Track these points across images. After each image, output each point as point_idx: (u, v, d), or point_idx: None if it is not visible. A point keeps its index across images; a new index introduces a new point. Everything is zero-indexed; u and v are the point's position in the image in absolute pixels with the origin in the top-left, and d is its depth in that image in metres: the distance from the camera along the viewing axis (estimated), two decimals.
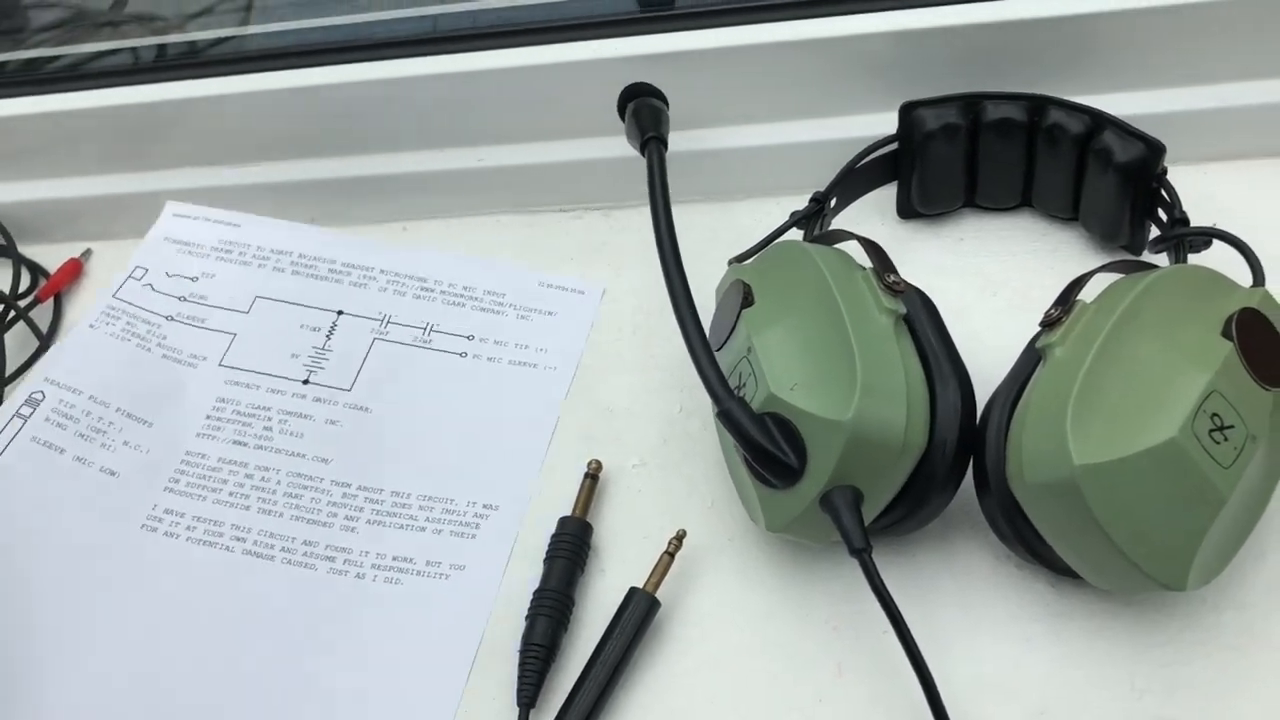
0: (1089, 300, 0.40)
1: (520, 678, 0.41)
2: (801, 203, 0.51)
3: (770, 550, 0.44)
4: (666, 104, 0.51)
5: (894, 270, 0.42)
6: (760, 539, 0.45)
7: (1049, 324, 0.40)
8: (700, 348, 0.40)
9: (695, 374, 0.49)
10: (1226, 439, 0.36)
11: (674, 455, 0.48)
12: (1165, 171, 0.48)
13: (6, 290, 0.58)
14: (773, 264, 0.44)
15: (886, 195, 0.54)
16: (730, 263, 0.48)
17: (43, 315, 0.58)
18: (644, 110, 0.49)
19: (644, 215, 0.57)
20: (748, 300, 0.43)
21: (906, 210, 0.54)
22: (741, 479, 0.42)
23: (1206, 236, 0.44)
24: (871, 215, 0.55)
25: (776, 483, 0.39)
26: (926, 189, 0.53)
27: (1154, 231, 0.49)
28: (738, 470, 0.42)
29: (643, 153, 0.48)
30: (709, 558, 0.44)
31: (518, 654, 0.42)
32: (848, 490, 0.38)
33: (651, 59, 0.53)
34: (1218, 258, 0.44)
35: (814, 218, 0.50)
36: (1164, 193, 0.47)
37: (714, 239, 0.55)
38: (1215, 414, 0.36)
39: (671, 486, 0.47)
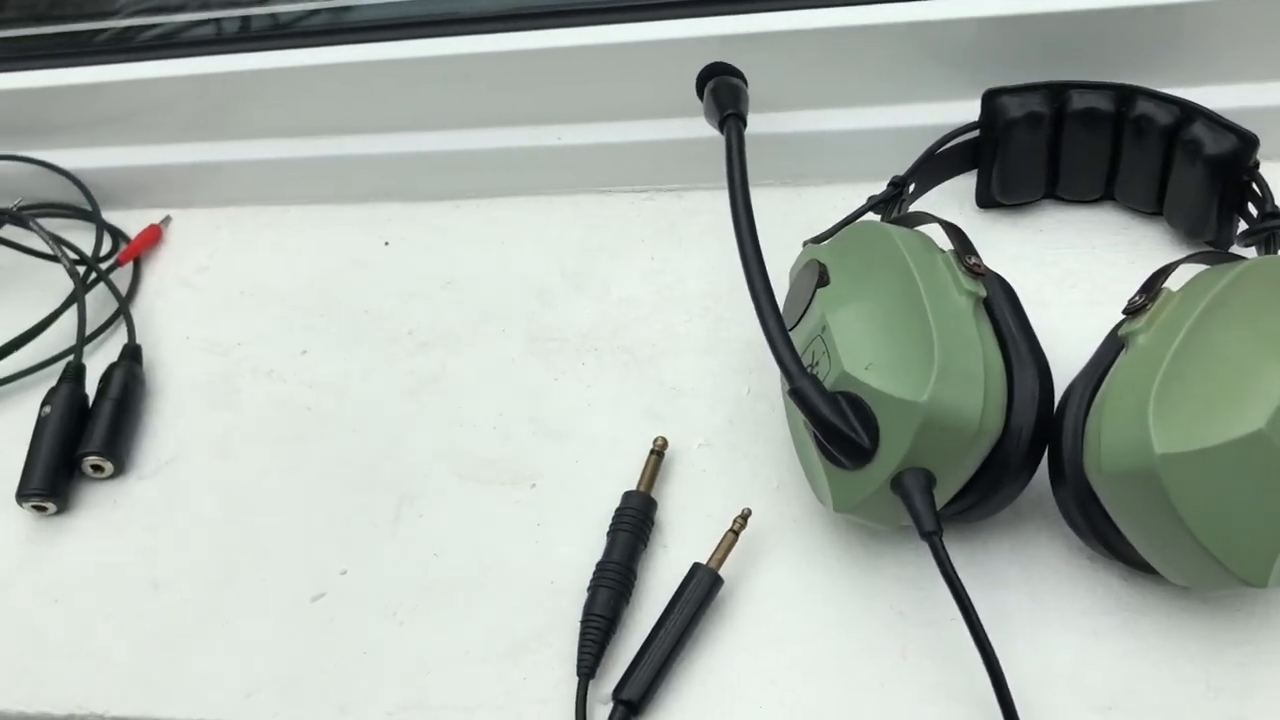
0: (1174, 289, 0.39)
1: (581, 648, 0.41)
2: (879, 189, 0.50)
3: (836, 533, 0.44)
4: (746, 84, 0.51)
5: (974, 253, 0.41)
6: (827, 521, 0.44)
7: (1132, 311, 0.39)
8: (774, 323, 0.39)
9: (765, 356, 0.48)
10: None
11: (741, 436, 0.48)
12: (1258, 165, 0.46)
13: (89, 253, 0.59)
14: (850, 244, 0.43)
15: (966, 184, 0.53)
16: (805, 244, 0.47)
17: (122, 278, 0.59)
18: (723, 88, 0.49)
19: (716, 198, 0.57)
20: (823, 279, 0.42)
21: (986, 199, 0.53)
22: (810, 459, 0.41)
23: None
24: (949, 203, 0.54)
25: (847, 463, 0.39)
26: (1007, 178, 0.52)
27: (1242, 226, 0.48)
28: (807, 450, 0.41)
29: (721, 129, 0.47)
30: (774, 538, 0.44)
31: (579, 624, 0.42)
32: (920, 473, 0.38)
33: (731, 39, 0.53)
34: None
35: (892, 202, 0.49)
36: (1255, 186, 0.46)
37: (786, 223, 0.55)
38: None
39: (737, 467, 0.47)
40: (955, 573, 0.37)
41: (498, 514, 0.47)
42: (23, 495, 0.49)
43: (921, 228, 0.44)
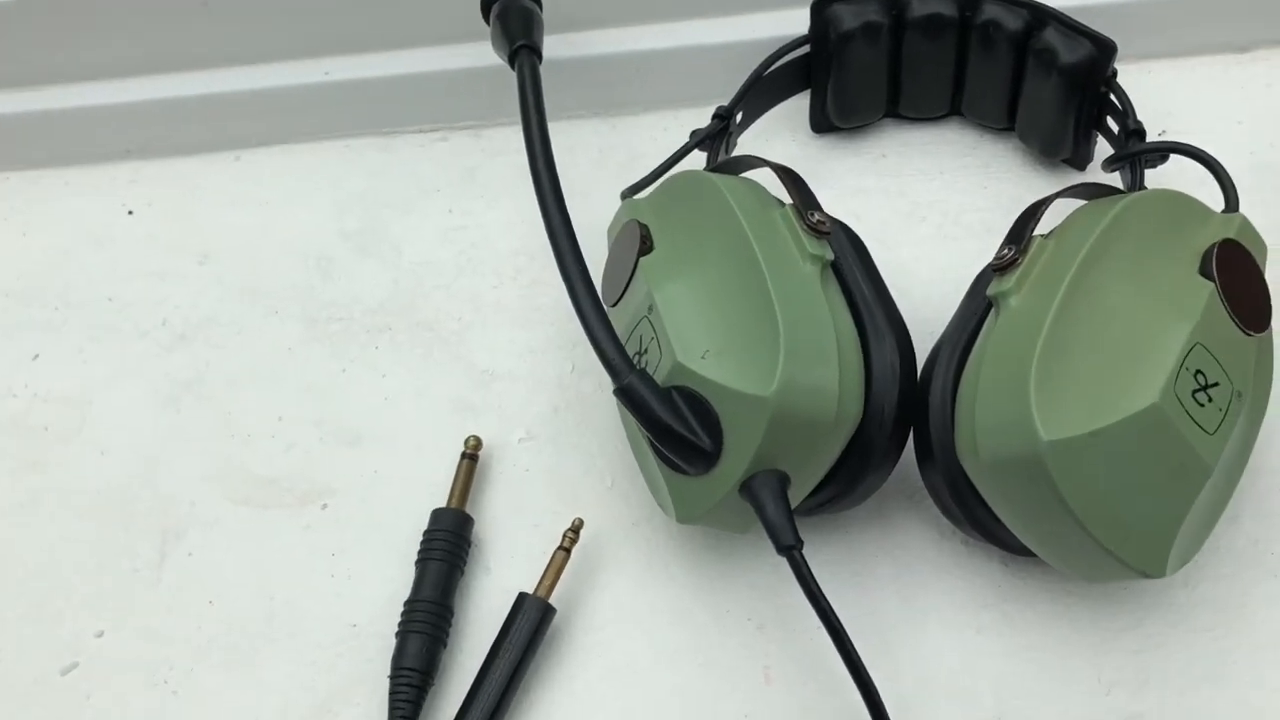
0: (1045, 235, 0.34)
1: (391, 709, 0.35)
2: (704, 117, 0.43)
3: (682, 536, 0.38)
4: (539, 3, 0.43)
5: (818, 206, 0.35)
6: (669, 525, 0.38)
7: (1001, 267, 0.33)
8: (591, 309, 0.32)
9: None
10: (1211, 399, 0.31)
11: (566, 425, 0.41)
12: (1115, 75, 0.41)
13: None
14: (674, 199, 0.37)
15: (797, 107, 0.47)
16: (623, 196, 0.40)
17: None
18: (511, 13, 0.41)
19: (519, 135, 0.50)
20: (646, 245, 0.36)
21: (821, 123, 0.47)
22: (647, 463, 0.35)
23: (1166, 152, 0.38)
24: (781, 130, 0.47)
25: (688, 468, 0.33)
26: (843, 98, 0.46)
27: (1100, 143, 0.43)
28: (643, 453, 0.35)
29: (512, 65, 0.39)
30: (611, 548, 0.38)
31: (387, 680, 0.35)
32: (772, 476, 0.32)
33: None
34: (1176, 175, 0.38)
35: (718, 137, 0.42)
36: (1114, 98, 0.41)
37: (603, 162, 0.48)
38: (1199, 371, 0.31)
39: (564, 463, 0.40)
40: (819, 589, 0.31)
41: (284, 545, 0.39)
42: None
43: (752, 173, 0.38)
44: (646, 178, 0.41)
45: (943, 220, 0.45)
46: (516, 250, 0.46)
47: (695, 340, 0.32)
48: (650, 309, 0.34)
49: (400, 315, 0.45)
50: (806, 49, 0.45)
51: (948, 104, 0.46)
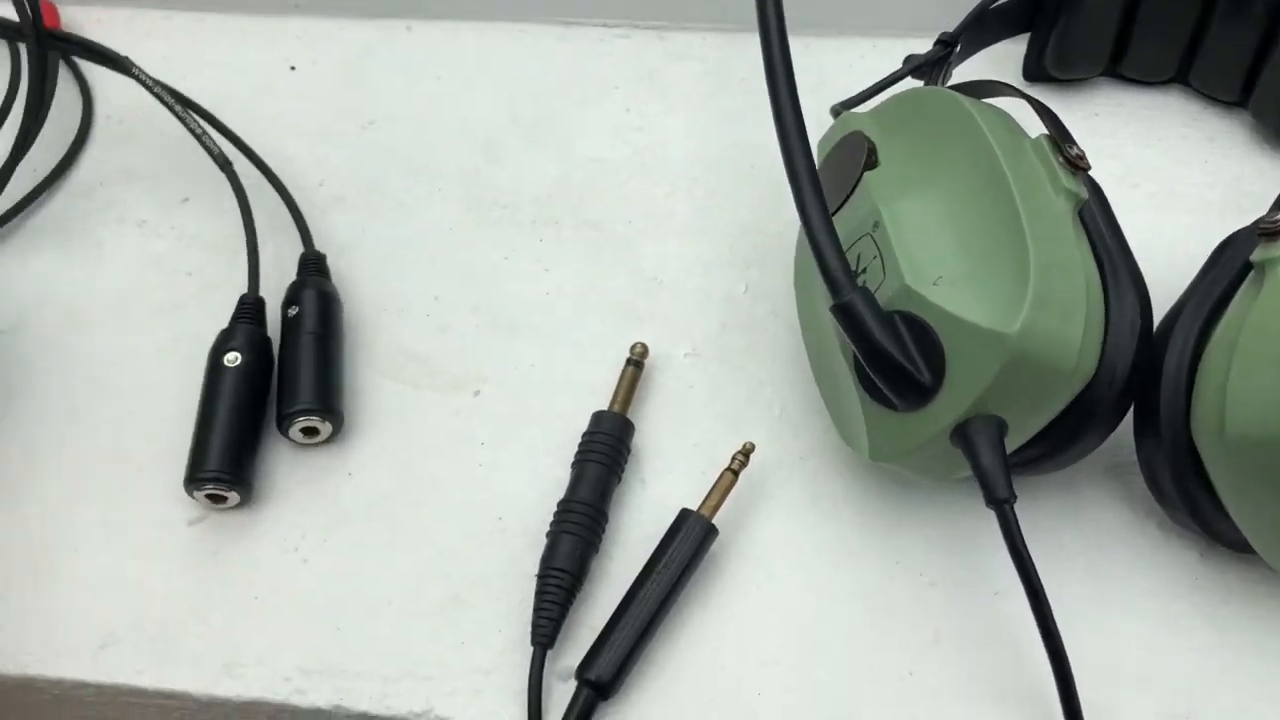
0: None
1: (537, 609, 0.33)
2: (904, 48, 0.41)
3: (853, 477, 0.36)
4: None
5: (1073, 141, 0.32)
6: (841, 462, 0.36)
7: (1272, 233, 0.30)
8: (818, 216, 0.30)
9: (768, 247, 0.40)
10: None
11: (735, 346, 0.39)
12: None
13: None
14: (906, 116, 0.34)
15: (1010, 51, 0.44)
16: (833, 111, 0.38)
17: None
18: None
19: (707, 42, 0.47)
20: (870, 160, 0.33)
21: (1035, 71, 0.44)
22: (842, 391, 0.33)
23: None
24: (989, 74, 0.44)
25: (898, 402, 0.30)
26: (1065, 46, 0.43)
27: None
28: (838, 380, 0.33)
29: None
30: (776, 480, 0.36)
31: (535, 579, 0.33)
32: (991, 422, 0.29)
33: None
34: None
35: (937, 65, 0.40)
36: None
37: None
38: None
39: (731, 385, 0.38)
40: (1026, 549, 0.29)
41: (432, 427, 0.37)
42: (196, 480, 0.35)
43: (995, 101, 0.35)
44: (860, 95, 0.38)
45: (1156, 189, 0.42)
46: (692, 160, 0.44)
47: (928, 265, 0.30)
48: (875, 226, 0.31)
49: (568, 210, 0.42)
50: None
51: (1174, 69, 0.43)
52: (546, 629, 0.32)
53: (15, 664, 0.34)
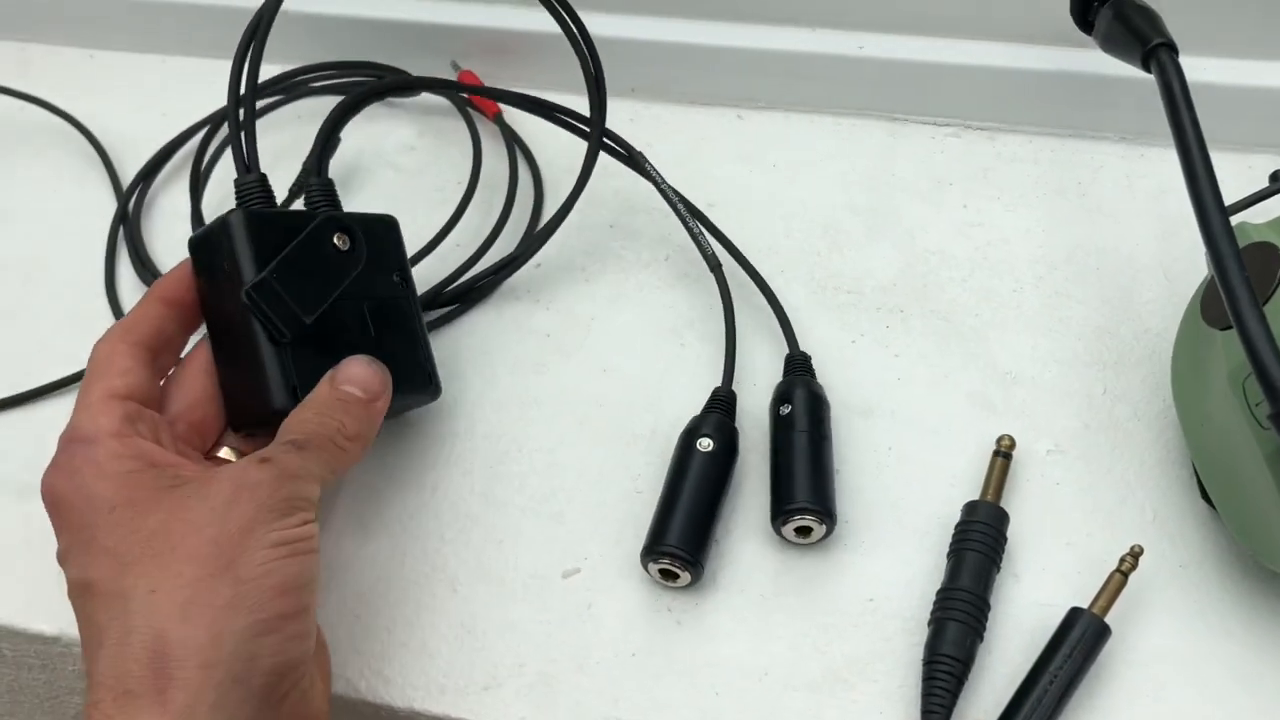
0: None
1: (926, 694, 0.33)
2: (1261, 162, 0.41)
3: (1239, 591, 0.35)
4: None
5: None
6: (1223, 574, 0.35)
7: None
8: (1259, 329, 0.30)
9: (1124, 349, 0.41)
10: None
11: (1099, 446, 0.38)
12: None
13: None
14: None
15: None
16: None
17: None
18: (1132, 10, 0.39)
19: (1036, 145, 0.48)
20: None
21: None
22: (1258, 500, 0.32)
23: None
24: None
25: None
26: None
27: None
28: (1249, 487, 0.32)
29: (1146, 65, 0.37)
30: (1155, 585, 0.35)
31: (921, 664, 0.33)
32: None
33: None
34: None
35: None
36: None
37: (1131, 188, 0.46)
38: None
39: (1098, 485, 0.38)
40: None
41: None
42: (655, 553, 0.35)
43: None
44: (1243, 202, 0.39)
45: None
46: (1036, 258, 0.44)
47: None
48: None
49: (913, 299, 0.43)
50: None
51: None
52: (939, 715, 0.32)
53: (402, 698, 0.35)
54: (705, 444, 0.37)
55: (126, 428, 0.32)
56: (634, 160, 0.44)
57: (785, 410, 0.38)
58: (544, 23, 0.44)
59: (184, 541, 0.29)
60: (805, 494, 0.35)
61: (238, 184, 0.36)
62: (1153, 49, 0.37)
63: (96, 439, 0.31)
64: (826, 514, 0.35)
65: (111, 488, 0.31)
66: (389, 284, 0.38)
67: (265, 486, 0.30)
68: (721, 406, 0.39)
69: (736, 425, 0.38)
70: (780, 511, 0.36)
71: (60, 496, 0.31)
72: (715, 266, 0.42)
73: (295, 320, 0.34)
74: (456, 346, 0.43)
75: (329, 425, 0.33)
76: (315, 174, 0.39)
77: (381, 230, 0.38)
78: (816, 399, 0.38)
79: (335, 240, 0.36)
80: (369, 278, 0.37)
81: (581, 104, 0.45)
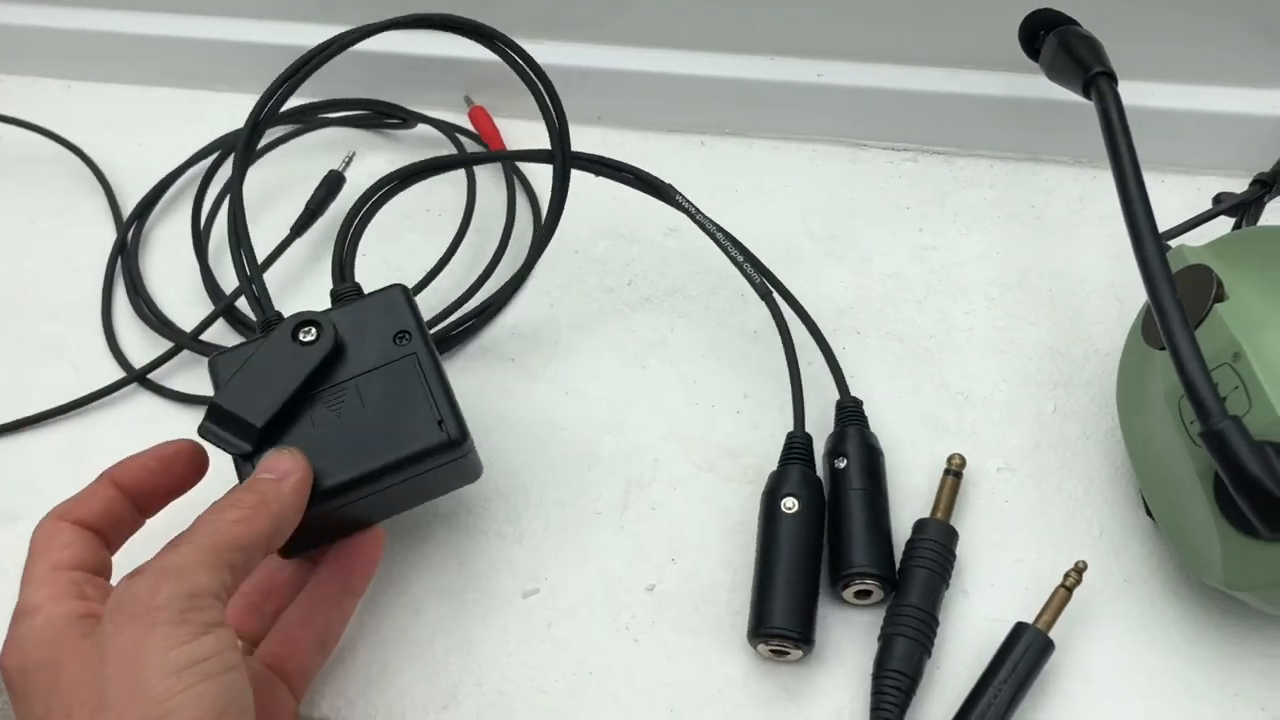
0: None
1: (875, 709, 0.33)
2: (1209, 184, 0.42)
3: (1182, 604, 0.36)
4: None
5: None
6: (1168, 588, 0.36)
7: None
8: (1188, 346, 0.31)
9: (1072, 370, 0.41)
10: None
11: (1048, 464, 0.39)
12: None
13: None
14: (1258, 253, 0.35)
15: None
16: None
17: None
18: (1076, 40, 0.40)
19: (995, 170, 0.49)
20: (1219, 294, 0.34)
21: None
22: (1193, 516, 0.33)
23: None
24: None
25: (1266, 531, 0.30)
26: None
27: None
28: (1186, 504, 0.33)
29: (1087, 93, 0.38)
30: (1101, 600, 0.36)
31: (869, 678, 0.34)
32: None
33: None
34: None
35: (1251, 205, 0.41)
36: None
37: (1083, 210, 0.47)
38: None
39: (1047, 502, 0.38)
40: None
41: (748, 518, 0.39)
42: (762, 635, 0.34)
43: None
44: (1181, 226, 0.40)
45: None
46: (990, 280, 0.45)
47: None
48: (1236, 357, 0.32)
49: (870, 321, 0.44)
50: None
51: None
52: None
53: (364, 718, 0.36)
54: (790, 505, 0.36)
55: (71, 590, 0.30)
56: (664, 193, 0.43)
57: (840, 464, 0.37)
58: (547, 54, 0.44)
59: (88, 693, 0.27)
60: (863, 557, 0.35)
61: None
62: (1093, 77, 0.38)
63: (37, 609, 0.29)
64: (885, 580, 0.35)
65: (42, 652, 0.29)
66: (386, 352, 0.36)
67: (140, 599, 0.27)
68: (799, 454, 0.38)
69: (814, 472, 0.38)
70: (838, 575, 0.36)
71: (7, 670, 0.29)
72: (765, 295, 0.41)
73: (249, 429, 0.34)
74: None
75: (217, 507, 0.30)
76: (340, 279, 0.39)
77: (380, 304, 0.37)
78: (871, 451, 0.38)
79: (300, 336, 0.35)
80: (359, 354, 0.35)
81: (586, 131, 0.46)
